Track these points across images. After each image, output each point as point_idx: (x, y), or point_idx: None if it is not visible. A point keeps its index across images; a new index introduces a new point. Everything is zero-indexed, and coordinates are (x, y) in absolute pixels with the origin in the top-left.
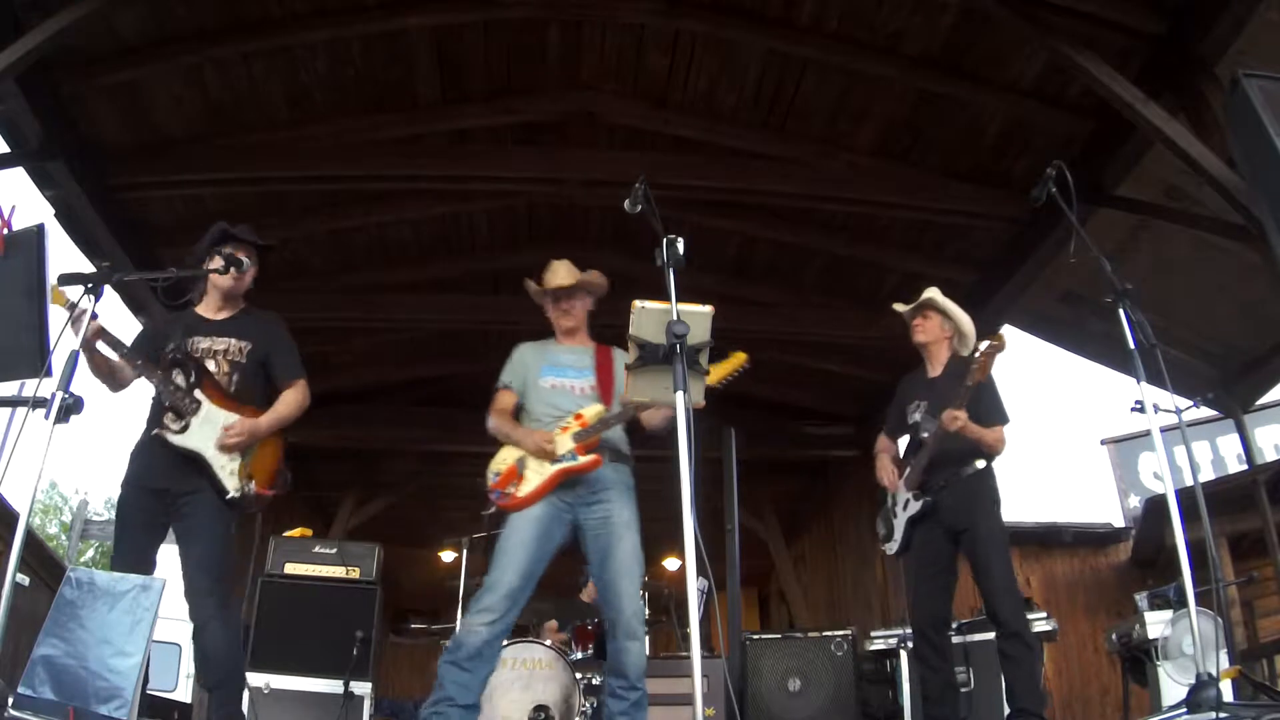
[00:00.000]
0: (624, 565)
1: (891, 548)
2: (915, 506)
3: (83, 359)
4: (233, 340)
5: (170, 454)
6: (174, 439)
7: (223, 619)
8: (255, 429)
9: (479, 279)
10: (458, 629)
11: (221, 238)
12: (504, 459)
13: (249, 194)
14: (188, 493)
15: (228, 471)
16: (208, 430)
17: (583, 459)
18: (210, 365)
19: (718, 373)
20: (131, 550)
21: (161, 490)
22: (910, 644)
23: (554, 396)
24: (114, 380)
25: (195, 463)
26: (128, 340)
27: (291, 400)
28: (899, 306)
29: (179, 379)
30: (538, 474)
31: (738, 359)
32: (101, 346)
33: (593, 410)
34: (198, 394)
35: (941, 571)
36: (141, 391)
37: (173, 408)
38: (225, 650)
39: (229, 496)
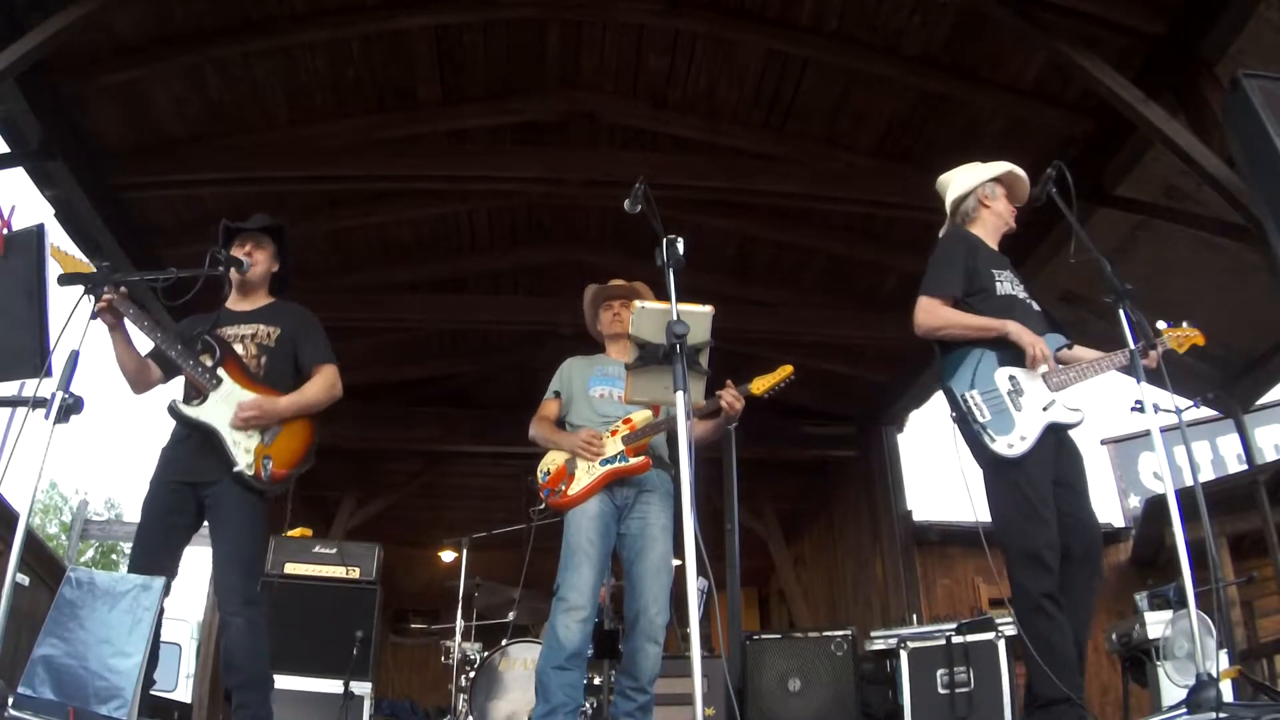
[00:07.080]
0: (655, 566)
1: (1017, 445)
2: (1066, 413)
3: (111, 349)
4: (261, 325)
5: (193, 445)
6: (187, 410)
7: (247, 618)
8: (273, 407)
9: (479, 279)
10: (546, 634)
11: (227, 236)
12: (553, 459)
13: (249, 194)
14: (211, 483)
15: (242, 449)
16: (224, 407)
17: (633, 460)
18: (238, 348)
19: (764, 383)
20: (144, 548)
21: (187, 485)
22: (1019, 601)
23: (602, 405)
24: (140, 379)
25: (215, 449)
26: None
27: (318, 384)
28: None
29: (205, 359)
30: (587, 474)
31: (784, 371)
32: (129, 323)
33: (641, 415)
34: (220, 372)
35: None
36: (156, 394)
37: (194, 384)
38: (247, 651)
39: (235, 469)
